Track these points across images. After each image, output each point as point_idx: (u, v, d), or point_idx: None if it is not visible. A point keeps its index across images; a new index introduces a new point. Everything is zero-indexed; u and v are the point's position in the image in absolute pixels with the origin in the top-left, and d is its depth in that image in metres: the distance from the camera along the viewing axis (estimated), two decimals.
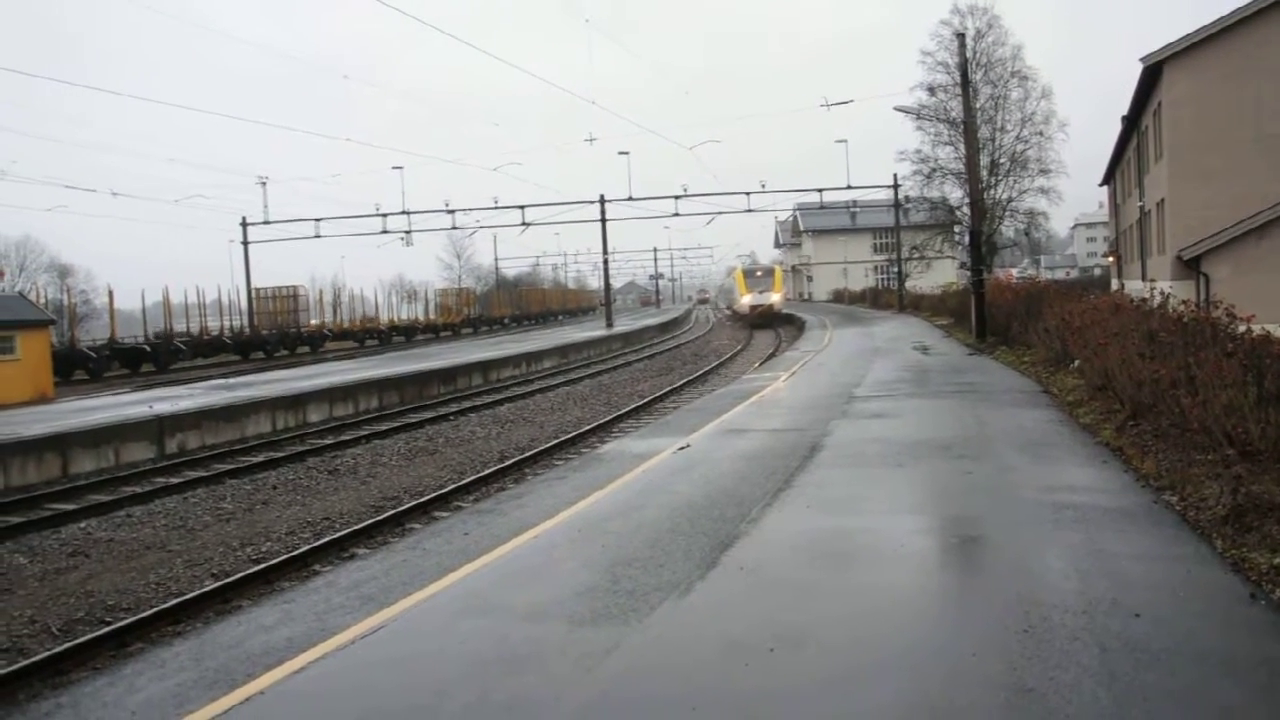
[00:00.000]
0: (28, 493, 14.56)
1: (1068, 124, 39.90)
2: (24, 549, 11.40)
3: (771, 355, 34.06)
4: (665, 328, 61.52)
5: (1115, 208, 51.59)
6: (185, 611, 8.65)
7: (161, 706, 5.06)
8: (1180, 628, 5.42)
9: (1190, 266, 28.01)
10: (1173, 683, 4.67)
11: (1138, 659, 4.91)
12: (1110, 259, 56.33)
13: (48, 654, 7.59)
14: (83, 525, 12.51)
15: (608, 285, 64.01)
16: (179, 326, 45.27)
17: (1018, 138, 40.39)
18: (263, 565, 9.90)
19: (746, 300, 60.20)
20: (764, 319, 56.11)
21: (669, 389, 25.38)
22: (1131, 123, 37.31)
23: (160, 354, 41.11)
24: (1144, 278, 34.79)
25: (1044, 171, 40.26)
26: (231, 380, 28.64)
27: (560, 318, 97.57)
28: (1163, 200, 30.71)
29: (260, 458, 17.13)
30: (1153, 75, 30.11)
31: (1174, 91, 28.86)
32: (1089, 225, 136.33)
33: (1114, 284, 46.10)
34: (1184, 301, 13.86)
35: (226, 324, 49.94)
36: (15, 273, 63.32)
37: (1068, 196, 42.63)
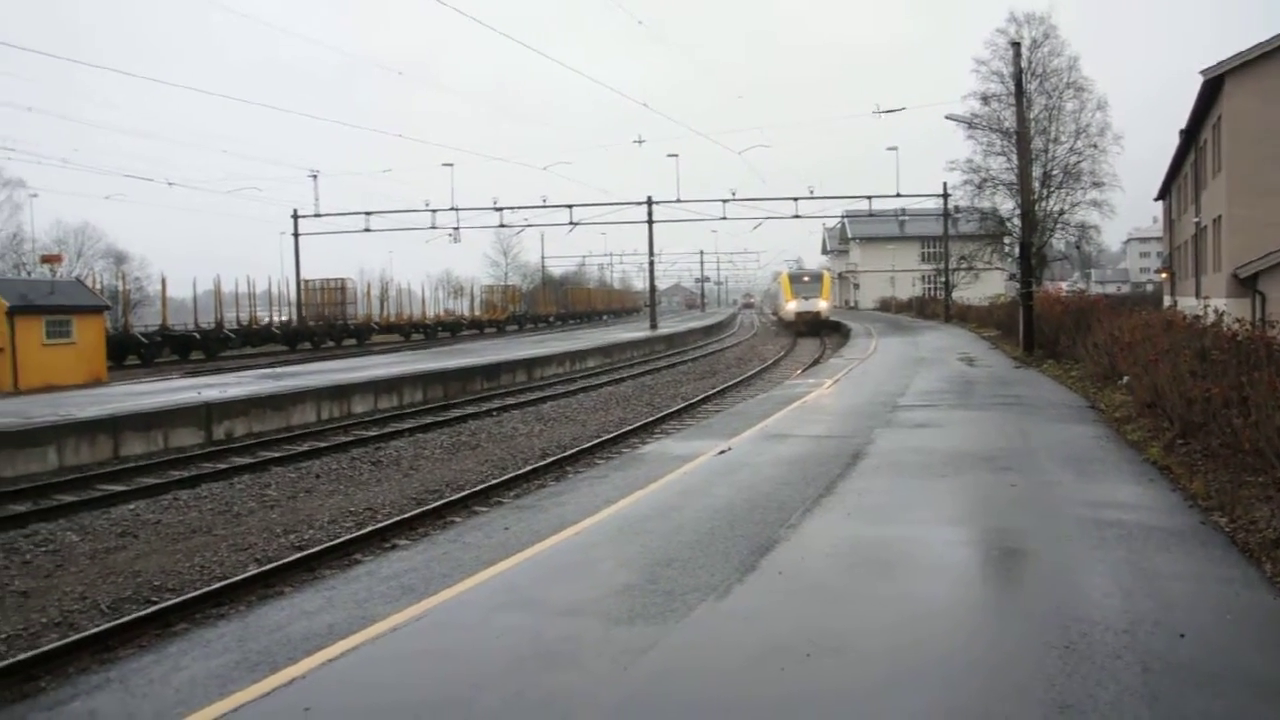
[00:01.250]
0: (81, 473, 14.87)
1: (1123, 136, 39.27)
2: (76, 527, 11.64)
3: (815, 362, 33.92)
4: (709, 331, 61.44)
5: (1170, 223, 50.83)
6: (229, 595, 8.79)
7: (205, 685, 5.16)
8: (1227, 651, 5.33)
9: (1246, 285, 27.53)
10: (1218, 707, 4.61)
11: (1182, 681, 4.85)
12: (1163, 275, 55.50)
13: (97, 630, 7.76)
14: (132, 507, 12.75)
15: (653, 287, 63.97)
16: (229, 315, 45.93)
17: (1071, 149, 39.82)
18: (305, 552, 10.03)
19: (792, 306, 57.97)
20: (810, 327, 54.12)
21: (712, 392, 25.37)
22: (1189, 136, 36.74)
23: (210, 342, 41.77)
24: (1198, 295, 34.26)
25: (1097, 184, 39.66)
26: (279, 370, 29.03)
27: (605, 317, 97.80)
28: (1220, 216, 30.20)
29: (305, 447, 17.35)
30: (1213, 88, 29.63)
31: (1235, 105, 28.38)
32: (1143, 240, 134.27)
33: (1166, 301, 45.42)
34: (1238, 320, 13.64)
35: (275, 314, 50.57)
36: (73, 259, 64.42)
37: (1120, 209, 41.89)
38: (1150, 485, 9.78)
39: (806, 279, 60.82)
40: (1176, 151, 40.84)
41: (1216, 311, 14.81)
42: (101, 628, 7.83)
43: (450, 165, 54.77)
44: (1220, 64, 28.42)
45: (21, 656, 7.22)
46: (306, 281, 54.81)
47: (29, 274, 47.90)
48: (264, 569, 9.45)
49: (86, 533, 11.43)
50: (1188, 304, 31.98)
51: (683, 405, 22.37)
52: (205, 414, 18.19)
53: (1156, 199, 54.52)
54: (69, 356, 27.33)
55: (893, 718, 4.61)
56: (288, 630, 6.03)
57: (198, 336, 41.71)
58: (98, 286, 41.15)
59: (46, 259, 38.86)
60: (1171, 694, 4.69)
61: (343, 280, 55.75)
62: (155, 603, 8.66)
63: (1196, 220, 36.58)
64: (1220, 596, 6.27)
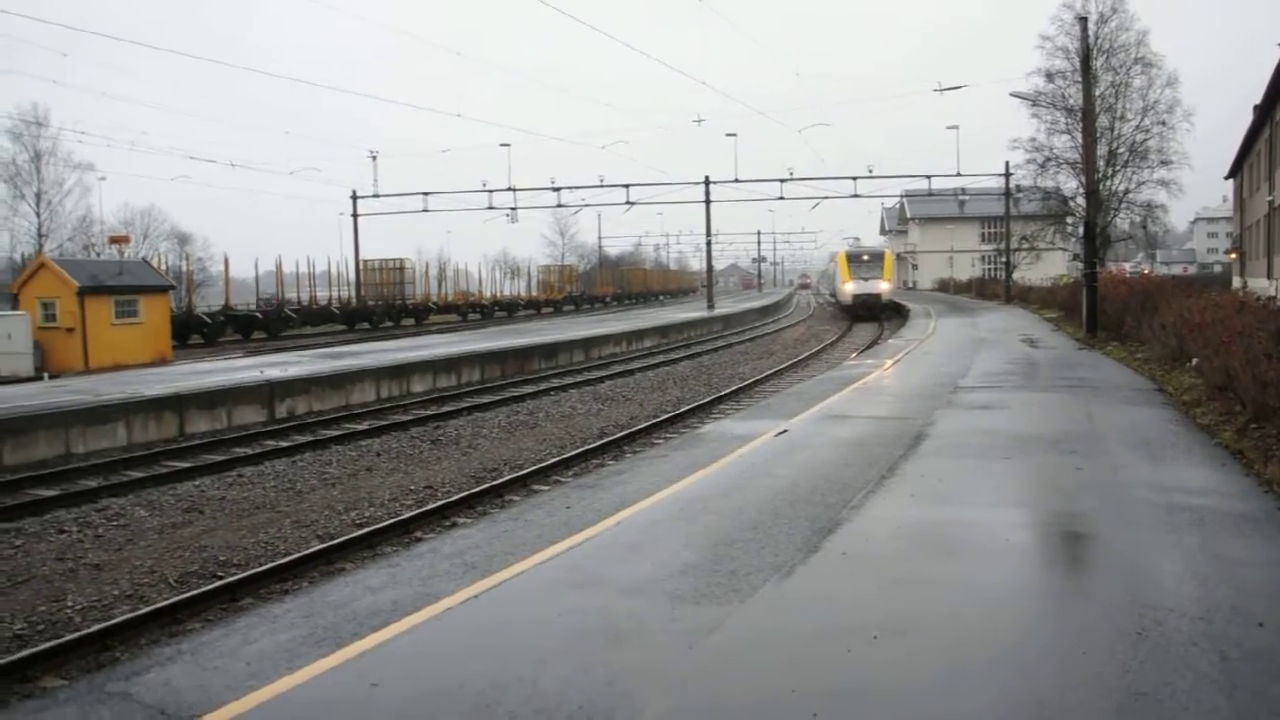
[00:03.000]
0: (148, 449, 15.18)
1: (1193, 114, 38.14)
2: (144, 503, 11.89)
3: (874, 343, 33.59)
4: (766, 311, 61.05)
5: (1241, 202, 49.54)
6: (293, 570, 8.91)
7: (274, 659, 5.23)
8: None
9: None
10: None
11: (1262, 670, 4.72)
12: (1233, 256, 54.16)
13: (166, 603, 7.91)
14: (197, 483, 12.98)
15: (710, 267, 63.73)
16: (289, 295, 46.55)
17: (1138, 127, 38.82)
18: (367, 530, 10.13)
19: (850, 288, 52.24)
20: (869, 310, 49.37)
21: (769, 372, 25.24)
22: (1264, 112, 35.71)
23: (271, 321, 42.43)
24: (1270, 276, 33.37)
25: (1165, 163, 38.60)
26: (338, 349, 29.38)
27: (661, 298, 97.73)
28: None
29: (365, 425, 17.53)
30: None
31: None
32: (1210, 220, 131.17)
33: (1236, 282, 44.31)
34: None
35: (334, 294, 51.15)
36: (140, 240, 65.75)
37: (1189, 189, 40.56)
38: (1222, 470, 9.55)
39: (866, 258, 54.10)
40: (1250, 128, 39.74)
41: None
42: (171, 601, 7.99)
43: (508, 145, 54.82)
44: None
45: (96, 627, 7.40)
46: (365, 261, 55.33)
47: (98, 255, 48.94)
48: (327, 545, 9.56)
49: (155, 508, 11.67)
50: (1259, 285, 31.17)
51: (740, 385, 22.29)
52: (268, 392, 18.46)
53: (1227, 177, 53.18)
54: (136, 336, 27.89)
55: (966, 702, 4.53)
56: (353, 606, 6.09)
57: (259, 316, 42.38)
58: (163, 267, 41.93)
59: (114, 240, 39.63)
60: (1251, 683, 4.57)
61: (401, 260, 56.18)
62: (221, 578, 8.81)
63: (1270, 199, 35.57)
64: None
